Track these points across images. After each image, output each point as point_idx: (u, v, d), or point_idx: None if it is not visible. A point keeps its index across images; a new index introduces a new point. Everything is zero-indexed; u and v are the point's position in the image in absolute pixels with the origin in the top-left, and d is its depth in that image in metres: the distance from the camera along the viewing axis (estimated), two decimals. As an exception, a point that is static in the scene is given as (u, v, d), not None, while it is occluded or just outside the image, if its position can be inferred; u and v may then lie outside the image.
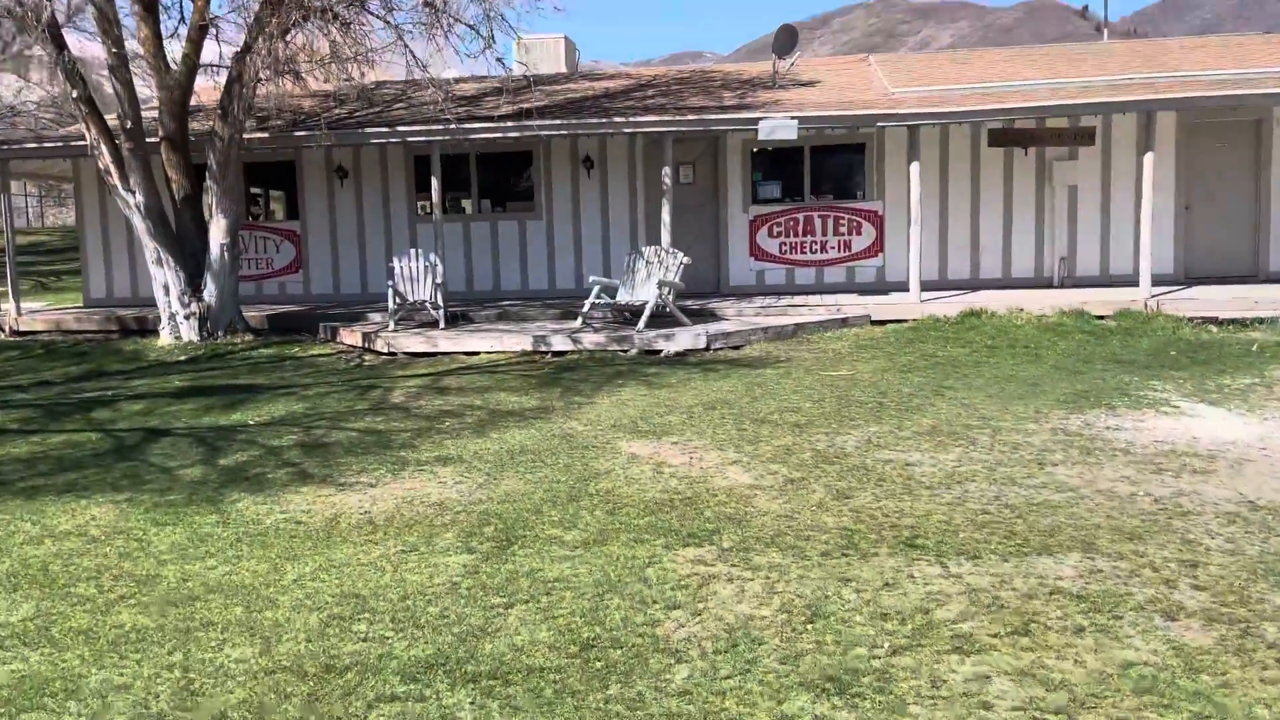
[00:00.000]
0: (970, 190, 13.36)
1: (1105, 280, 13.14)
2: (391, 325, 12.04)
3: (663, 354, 10.71)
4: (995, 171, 13.30)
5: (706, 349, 10.82)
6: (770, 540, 4.58)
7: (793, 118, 11.63)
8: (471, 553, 4.56)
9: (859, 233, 13.65)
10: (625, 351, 10.90)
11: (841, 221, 13.66)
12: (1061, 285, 13.18)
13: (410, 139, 12.75)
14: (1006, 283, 13.31)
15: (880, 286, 13.59)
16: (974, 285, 13.26)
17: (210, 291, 12.22)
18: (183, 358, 11.57)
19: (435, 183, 12.78)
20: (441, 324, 12.16)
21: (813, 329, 11.60)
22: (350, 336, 12.12)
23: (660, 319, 11.49)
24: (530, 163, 14.35)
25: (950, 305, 12.00)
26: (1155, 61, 13.89)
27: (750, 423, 7.33)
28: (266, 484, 6.04)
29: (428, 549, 4.63)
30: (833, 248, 13.72)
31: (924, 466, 5.89)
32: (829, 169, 13.87)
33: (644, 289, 11.89)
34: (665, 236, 12.34)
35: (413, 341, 11.39)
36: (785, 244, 13.82)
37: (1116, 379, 8.63)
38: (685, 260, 11.57)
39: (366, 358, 11.34)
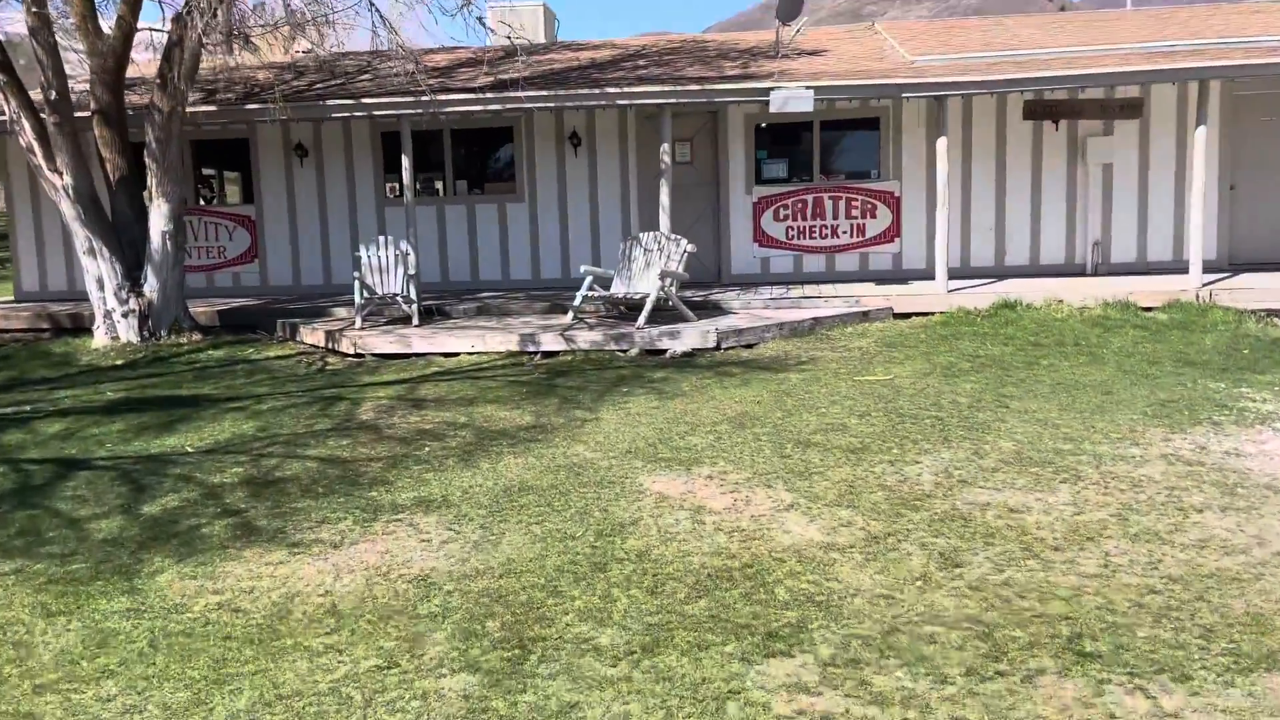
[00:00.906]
0: (995, 169, 12.20)
1: (1143, 268, 12.05)
2: (359, 322, 10.70)
3: (668, 354, 9.46)
4: (1022, 148, 12.14)
5: (717, 348, 9.59)
6: (883, 645, 3.37)
7: (808, 87, 10.39)
8: (475, 670, 3.30)
9: (873, 216, 12.45)
10: (625, 351, 9.65)
11: (854, 203, 12.46)
12: (1095, 273, 12.07)
13: (377, 112, 11.36)
14: (1035, 270, 12.19)
15: (897, 274, 12.42)
16: (1000, 273, 12.12)
17: (151, 285, 10.80)
18: (119, 362, 10.16)
19: (406, 161, 11.42)
20: (415, 320, 10.83)
21: (831, 324, 10.40)
22: (312, 335, 10.76)
23: (661, 313, 10.24)
24: (511, 140, 13.00)
25: (980, 296, 10.85)
26: (1191, 27, 12.77)
27: (793, 446, 6.11)
28: (199, 544, 4.75)
29: (412, 664, 3.37)
30: (845, 232, 12.52)
31: (1034, 514, 4.71)
32: (840, 146, 12.65)
33: (642, 280, 10.62)
34: (664, 221, 11.07)
35: (383, 341, 10.06)
36: (792, 228, 12.60)
37: (1198, 385, 7.51)
38: (689, 248, 10.32)
39: (330, 360, 10.00)
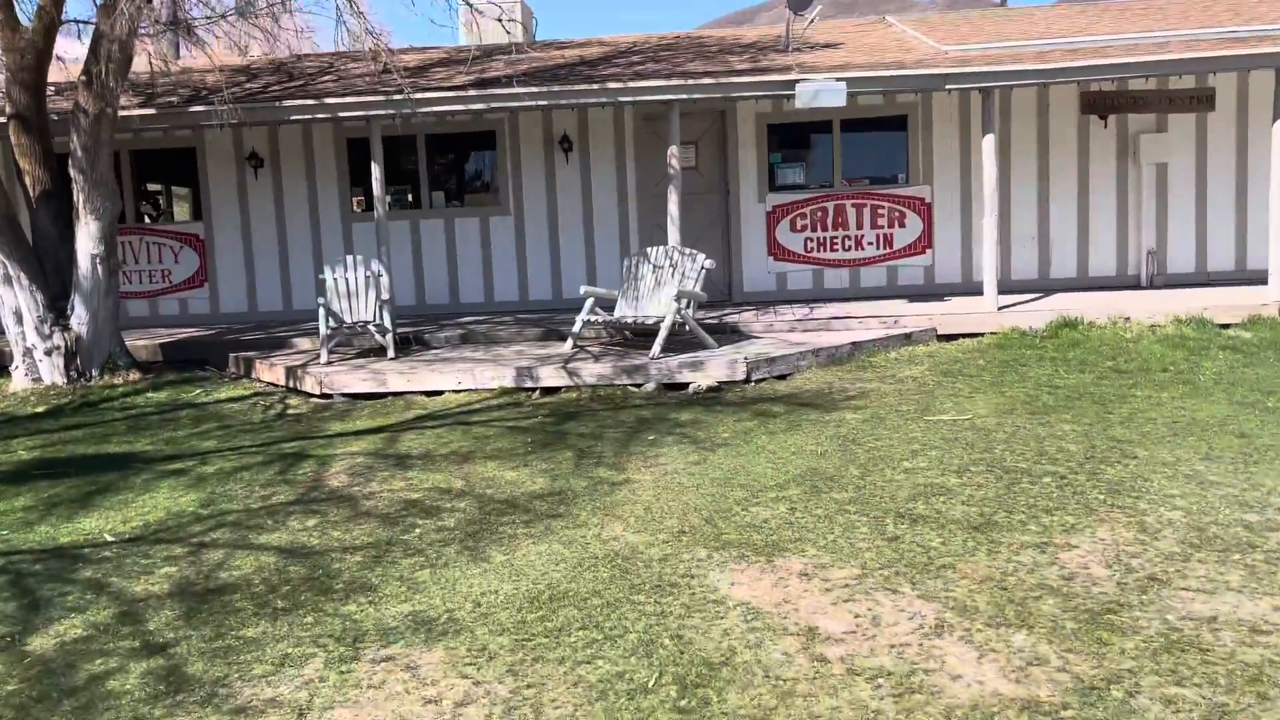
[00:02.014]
0: (1037, 171, 10.98)
1: (1202, 278, 10.88)
2: (324, 355, 9.21)
3: (691, 390, 8.08)
4: (1067, 148, 10.94)
5: (746, 380, 8.22)
6: None
7: (839, 79, 9.08)
8: None
9: (902, 224, 11.18)
10: (639, 387, 8.25)
11: (880, 211, 11.18)
12: (1151, 285, 10.88)
13: (343, 114, 9.90)
14: (1084, 283, 10.97)
15: (930, 290, 11.14)
16: (1045, 287, 10.89)
17: (80, 317, 9.25)
18: (40, 409, 8.59)
19: (377, 171, 9.96)
20: (391, 352, 9.36)
21: (872, 348, 9.08)
22: (270, 372, 9.26)
23: (674, 339, 8.85)
24: (493, 145, 11.59)
25: (1033, 313, 9.60)
26: (1244, 14, 11.65)
27: (894, 520, 4.75)
28: (97, 713, 3.27)
29: None
30: (870, 243, 11.23)
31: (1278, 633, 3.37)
32: (863, 148, 11.37)
33: (652, 301, 9.24)
34: (673, 234, 9.71)
35: (354, 379, 8.58)
36: (811, 240, 11.29)
37: (1345, 421, 6.26)
38: (708, 264, 8.96)
39: (292, 402, 8.50)
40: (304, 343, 10.21)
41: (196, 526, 5.25)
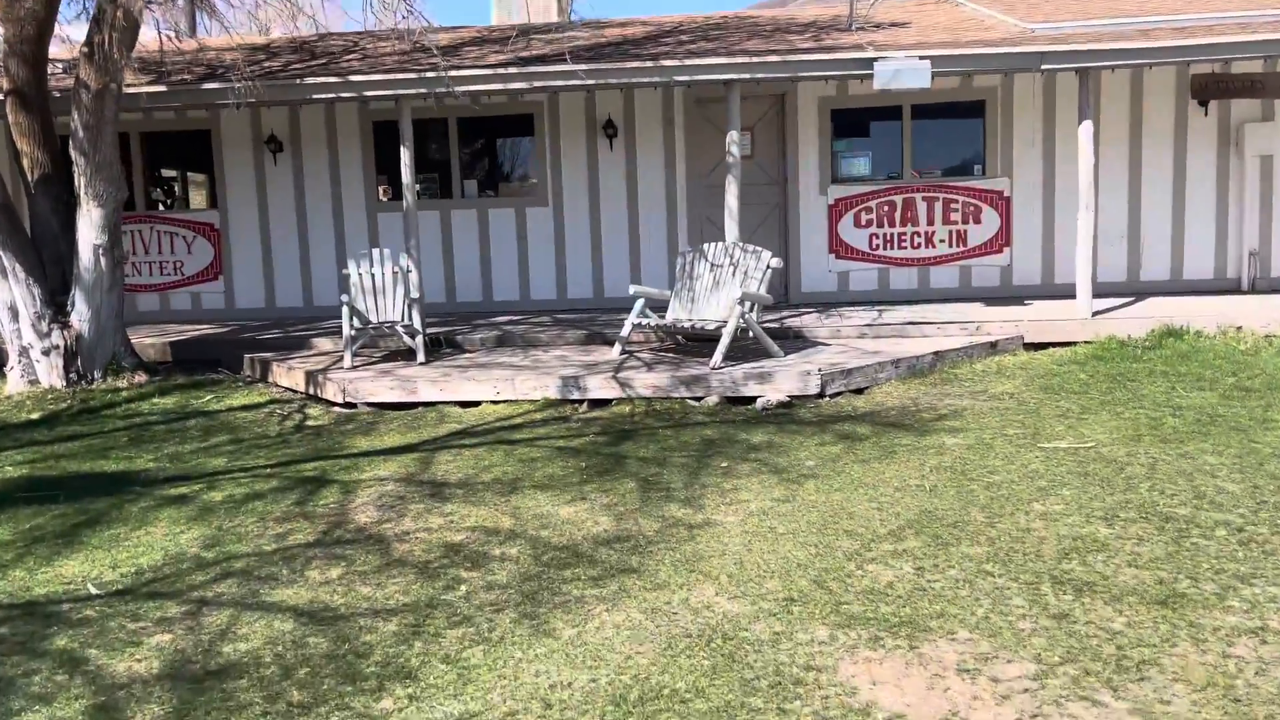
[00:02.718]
0: (1128, 162, 9.99)
1: (1311, 282, 9.88)
2: (348, 359, 8.36)
3: (759, 405, 7.18)
4: (1161, 138, 9.94)
5: (821, 395, 7.31)
6: None
7: (923, 57, 8.13)
8: None
9: (977, 220, 10.22)
10: (699, 400, 7.36)
11: (953, 206, 10.22)
12: (1253, 289, 9.89)
13: (370, 93, 9.04)
14: (1178, 286, 9.98)
15: (1006, 292, 10.19)
16: (1135, 290, 9.91)
17: (81, 314, 8.43)
18: (35, 415, 7.78)
19: (406, 155, 9.09)
20: (420, 356, 8.50)
21: (955, 358, 8.15)
22: (288, 376, 8.42)
23: (735, 346, 7.93)
24: (531, 131, 10.70)
25: (1129, 320, 8.64)
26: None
27: (1050, 587, 3.84)
28: None
29: None
30: (942, 241, 10.28)
31: None
32: (935, 136, 10.41)
33: (711, 303, 8.33)
34: (730, 228, 8.80)
35: (381, 386, 7.73)
36: (877, 236, 10.35)
37: None
38: (774, 263, 8.05)
39: (311, 412, 7.66)
40: (325, 344, 9.37)
41: (198, 575, 4.39)
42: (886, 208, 10.30)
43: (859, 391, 7.49)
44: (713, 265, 8.46)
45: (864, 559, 4.22)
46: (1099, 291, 9.86)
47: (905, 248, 10.33)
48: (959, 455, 5.75)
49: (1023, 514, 4.71)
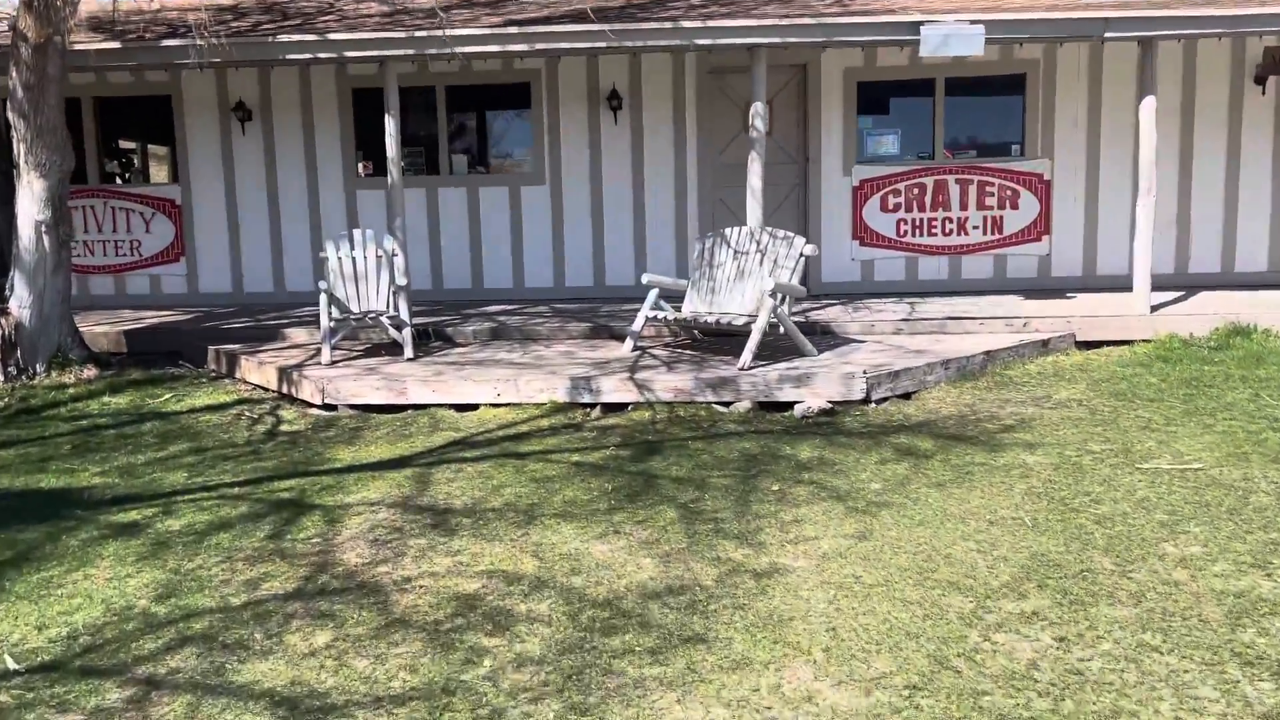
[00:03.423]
0: (1178, 145, 9.22)
1: (1373, 276, 9.18)
2: (327, 354, 7.41)
3: (798, 412, 6.33)
4: (1213, 118, 9.18)
5: (866, 400, 6.48)
6: None
7: (976, 21, 7.28)
8: None
9: (1014, 205, 9.42)
10: (727, 405, 6.51)
11: (989, 189, 9.41)
12: (1311, 284, 9.17)
13: (350, 54, 8.05)
14: (1229, 279, 9.26)
15: (1044, 284, 9.41)
16: (1184, 284, 9.16)
17: (21, 299, 7.43)
18: (-35, 417, 6.78)
19: (391, 125, 8.12)
20: (408, 350, 7.57)
21: (1006, 358, 7.35)
22: (259, 372, 7.47)
23: (764, 343, 7.05)
24: (527, 101, 9.74)
25: (1187, 317, 7.88)
26: None
27: (1242, 670, 3.04)
28: None
29: None
30: (975, 228, 9.47)
31: None
32: (970, 112, 9.59)
33: (734, 295, 7.47)
34: (754, 210, 7.93)
35: (365, 386, 6.80)
36: (905, 222, 9.52)
37: None
38: (808, 250, 7.19)
39: (286, 414, 6.73)
40: (300, 335, 8.41)
41: (149, 641, 3.48)
42: (916, 190, 9.47)
43: (906, 396, 6.67)
44: (736, 252, 7.59)
45: (986, 624, 3.39)
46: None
47: (935, 235, 9.51)
48: (1047, 478, 4.94)
49: (1156, 560, 3.90)
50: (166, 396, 7.17)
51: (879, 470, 5.17)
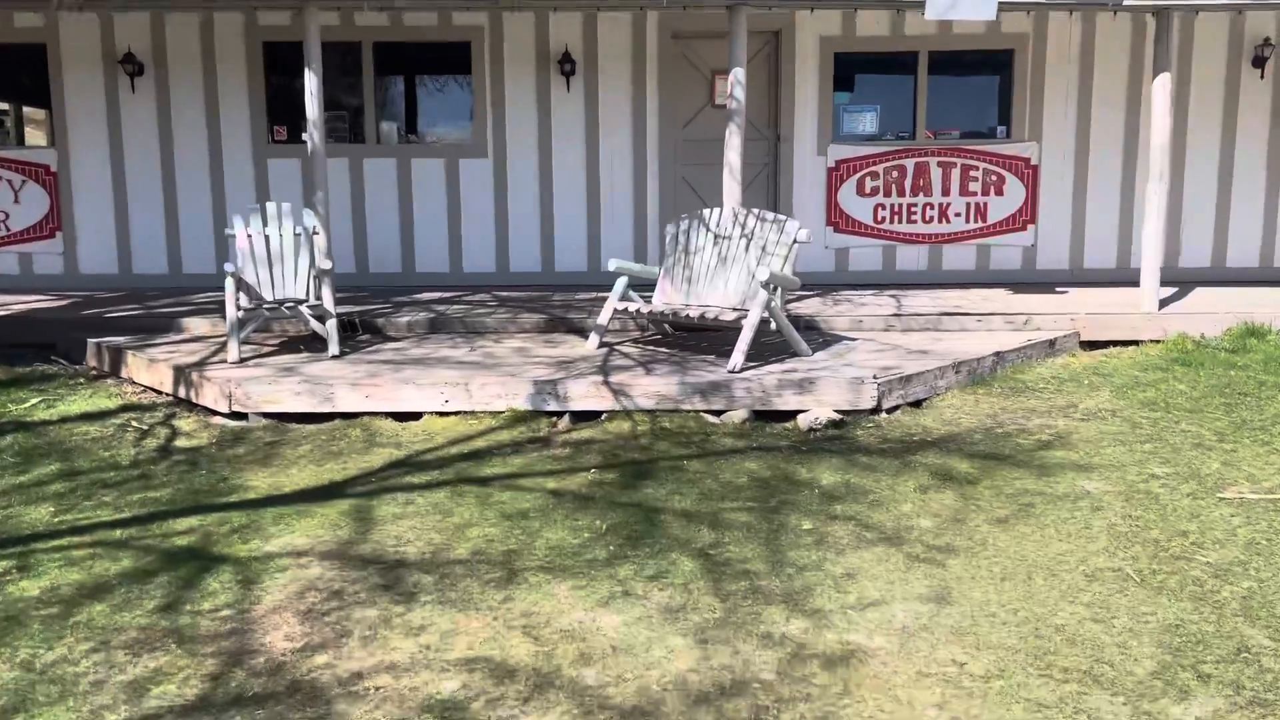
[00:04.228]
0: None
1: (1369, 273, 8.76)
2: (235, 351, 6.21)
3: (804, 424, 5.43)
4: (1208, 103, 8.61)
5: (877, 410, 5.62)
6: None
7: (988, -18, 6.47)
8: None
9: (999, 191, 8.70)
10: (718, 414, 5.58)
11: (973, 173, 8.68)
12: (1304, 280, 8.69)
13: (263, -4, 6.81)
14: (1220, 275, 8.72)
15: (1028, 276, 8.74)
16: (1173, 279, 8.55)
17: None
18: None
19: (312, 82, 6.91)
20: (333, 347, 6.42)
21: (1016, 360, 6.59)
22: (149, 372, 6.23)
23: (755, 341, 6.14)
24: (467, 63, 8.60)
25: (1198, 316, 7.27)
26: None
27: None
28: None
29: None
30: (958, 214, 8.73)
31: None
32: (954, 90, 8.82)
33: (716, 286, 6.53)
34: (731, 192, 7.00)
35: (283, 390, 5.65)
36: (883, 207, 8.72)
37: None
38: (801, 235, 6.29)
39: (184, 425, 5.54)
40: (201, 326, 7.16)
41: (-25, 794, 2.37)
42: (895, 173, 8.67)
43: (917, 404, 5.84)
44: (718, 237, 6.65)
45: (1160, 740, 2.53)
46: (1133, 279, 8.49)
47: (915, 221, 8.73)
48: (1123, 512, 4.15)
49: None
50: (33, 402, 5.89)
51: (922, 501, 4.31)
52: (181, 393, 5.94)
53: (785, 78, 8.61)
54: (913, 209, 8.72)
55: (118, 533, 4.02)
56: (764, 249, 6.40)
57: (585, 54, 8.52)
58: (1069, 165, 8.65)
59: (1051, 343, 6.93)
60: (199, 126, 8.54)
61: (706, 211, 6.78)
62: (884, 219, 8.73)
